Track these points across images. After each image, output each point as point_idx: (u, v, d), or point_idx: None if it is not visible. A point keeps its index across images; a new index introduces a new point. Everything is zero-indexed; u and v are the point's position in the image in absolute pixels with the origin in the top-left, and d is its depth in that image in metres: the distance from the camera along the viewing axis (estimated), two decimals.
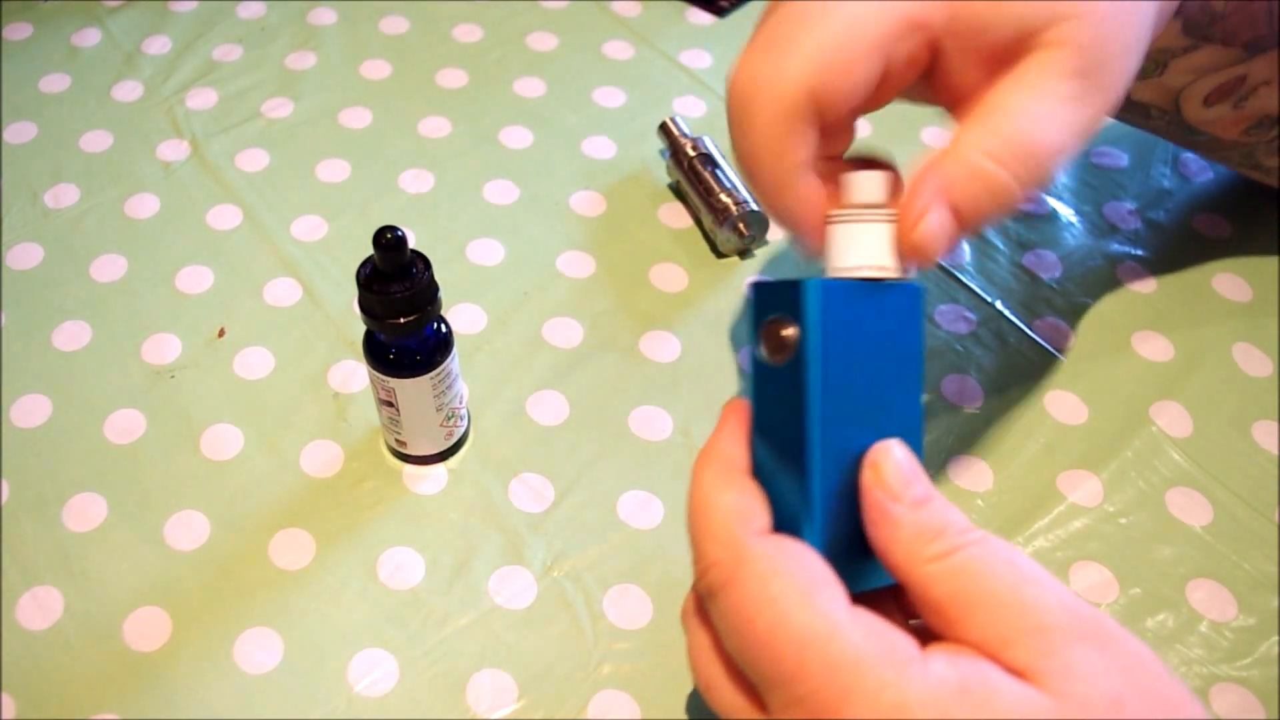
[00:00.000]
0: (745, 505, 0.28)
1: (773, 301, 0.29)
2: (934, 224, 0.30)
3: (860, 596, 0.29)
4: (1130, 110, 0.45)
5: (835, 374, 0.28)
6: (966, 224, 0.31)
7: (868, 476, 0.28)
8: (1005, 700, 0.23)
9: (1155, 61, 0.41)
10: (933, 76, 0.33)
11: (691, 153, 0.52)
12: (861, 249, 0.31)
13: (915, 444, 0.29)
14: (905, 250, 0.31)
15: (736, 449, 0.30)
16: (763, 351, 0.29)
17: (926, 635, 0.27)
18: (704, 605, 0.28)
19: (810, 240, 0.32)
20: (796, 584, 0.25)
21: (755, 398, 0.30)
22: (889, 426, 0.29)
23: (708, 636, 0.29)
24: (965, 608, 0.25)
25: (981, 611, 0.25)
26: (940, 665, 0.24)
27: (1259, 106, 0.44)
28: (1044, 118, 0.31)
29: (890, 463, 0.28)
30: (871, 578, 0.29)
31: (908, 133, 0.57)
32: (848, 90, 0.30)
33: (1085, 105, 0.31)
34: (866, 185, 0.31)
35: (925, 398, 0.46)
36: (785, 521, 0.28)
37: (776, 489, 0.29)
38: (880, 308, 0.29)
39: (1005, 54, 0.31)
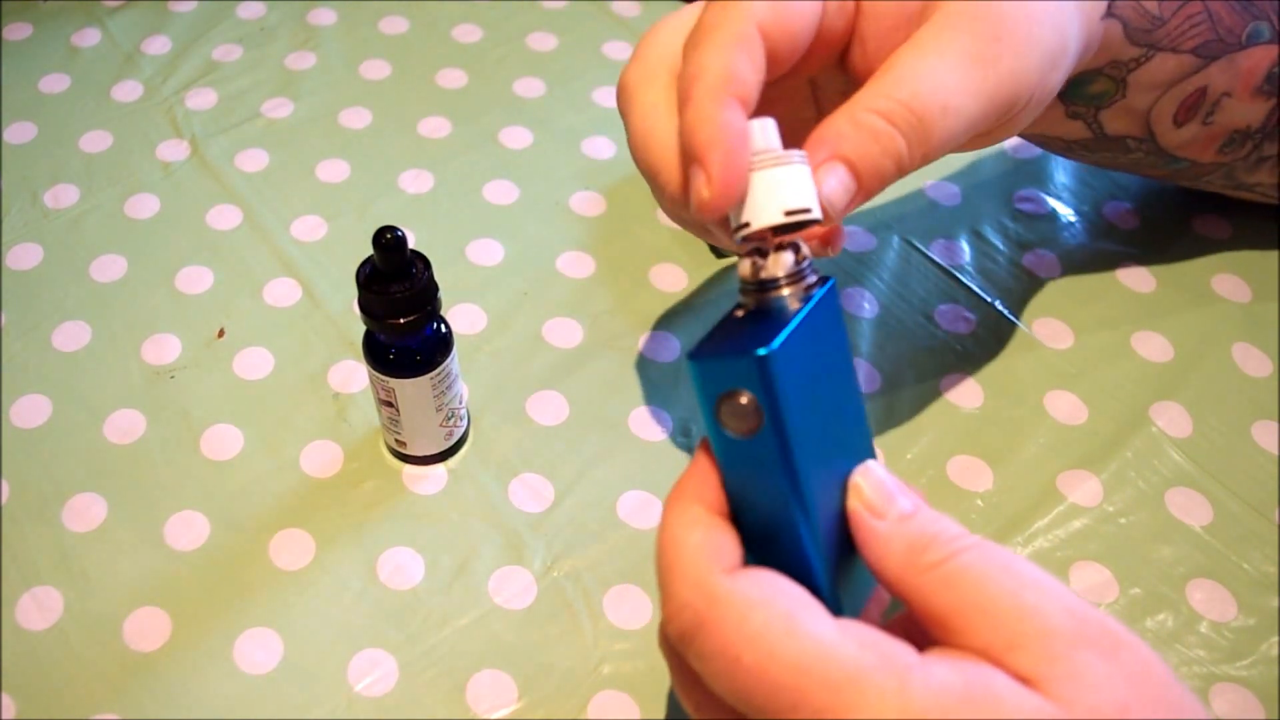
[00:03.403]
0: (714, 543, 0.27)
1: (723, 376, 0.27)
2: (832, 178, 0.31)
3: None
4: (1109, 145, 0.45)
5: (800, 425, 0.26)
6: (864, 183, 0.32)
7: (852, 501, 0.27)
8: (1011, 706, 0.23)
9: (1112, 80, 0.41)
10: (849, 54, 0.35)
11: None
12: (783, 193, 0.29)
13: (866, 441, 0.29)
14: (822, 202, 0.31)
15: (705, 486, 0.28)
16: (723, 427, 0.27)
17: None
18: (677, 647, 0.27)
19: (707, 162, 0.30)
20: (777, 613, 0.25)
21: (724, 463, 0.28)
22: (846, 437, 0.28)
23: (685, 674, 0.28)
24: (966, 615, 0.25)
25: (983, 618, 0.25)
26: (942, 670, 0.24)
27: (1226, 121, 0.44)
28: (933, 74, 0.32)
29: (871, 482, 0.27)
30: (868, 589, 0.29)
31: None
32: (791, 32, 0.32)
33: (982, 64, 0.33)
34: (762, 132, 0.30)
35: (923, 397, 0.46)
36: (772, 551, 0.27)
37: (758, 528, 0.28)
38: (815, 333, 0.28)
39: (913, 18, 0.34)
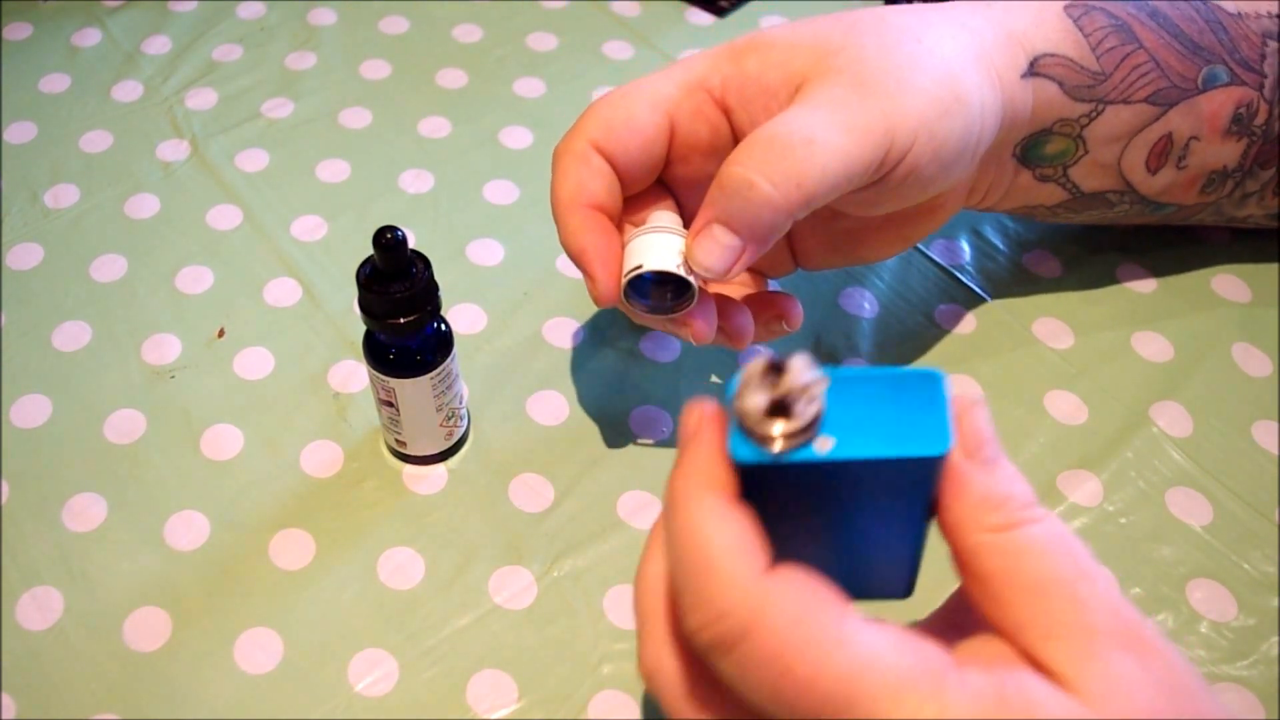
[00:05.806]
0: (748, 542, 0.25)
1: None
2: (704, 240, 0.34)
3: None
4: (1091, 203, 0.45)
5: None
6: (744, 234, 0.34)
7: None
8: (1045, 712, 0.23)
9: (1068, 138, 0.42)
10: (738, 137, 0.37)
11: None
12: (652, 253, 0.36)
13: None
14: (694, 267, 0.35)
15: (716, 472, 0.26)
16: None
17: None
18: (709, 656, 0.25)
19: (586, 269, 0.37)
20: (827, 620, 0.24)
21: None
22: None
23: (703, 686, 0.27)
24: (1014, 589, 0.25)
25: (1030, 597, 0.24)
26: (976, 677, 0.24)
27: (1201, 164, 0.44)
28: (796, 117, 0.34)
29: (971, 419, 0.26)
30: None
31: None
32: (632, 139, 0.37)
33: (847, 106, 0.34)
34: (661, 215, 0.38)
35: None
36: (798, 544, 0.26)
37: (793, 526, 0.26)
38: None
39: (783, 101, 0.36)
